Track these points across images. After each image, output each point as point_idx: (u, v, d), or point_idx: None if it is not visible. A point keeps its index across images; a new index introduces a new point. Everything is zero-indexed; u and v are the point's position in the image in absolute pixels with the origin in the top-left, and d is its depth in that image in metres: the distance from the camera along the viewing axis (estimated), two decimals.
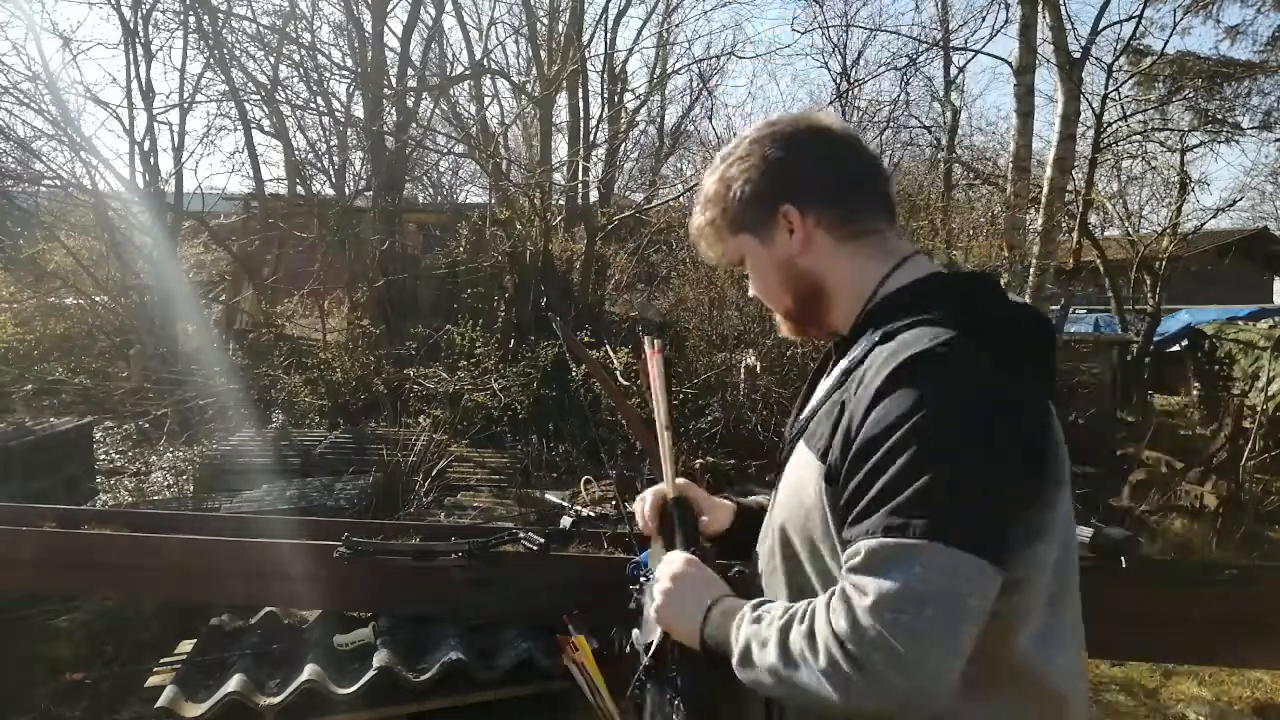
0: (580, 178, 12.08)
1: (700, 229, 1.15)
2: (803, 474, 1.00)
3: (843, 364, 1.02)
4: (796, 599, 0.97)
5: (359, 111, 11.30)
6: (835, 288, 1.06)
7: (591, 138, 13.07)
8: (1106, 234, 15.03)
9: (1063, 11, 9.59)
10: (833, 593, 0.87)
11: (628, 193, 16.46)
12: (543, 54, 12.96)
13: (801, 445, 1.03)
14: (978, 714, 0.91)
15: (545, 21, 13.45)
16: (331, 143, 11.65)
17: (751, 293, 1.17)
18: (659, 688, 1.07)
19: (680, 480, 1.31)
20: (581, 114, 14.01)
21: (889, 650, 0.79)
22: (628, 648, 1.19)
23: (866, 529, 0.85)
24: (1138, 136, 12.71)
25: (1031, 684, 0.93)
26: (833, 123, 1.09)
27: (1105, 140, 12.13)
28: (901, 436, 0.84)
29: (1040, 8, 9.37)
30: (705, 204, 1.13)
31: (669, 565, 1.11)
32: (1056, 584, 0.94)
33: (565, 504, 3.93)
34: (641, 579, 1.22)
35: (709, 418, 6.87)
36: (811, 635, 0.86)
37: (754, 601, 0.99)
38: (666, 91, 18.70)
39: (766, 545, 1.12)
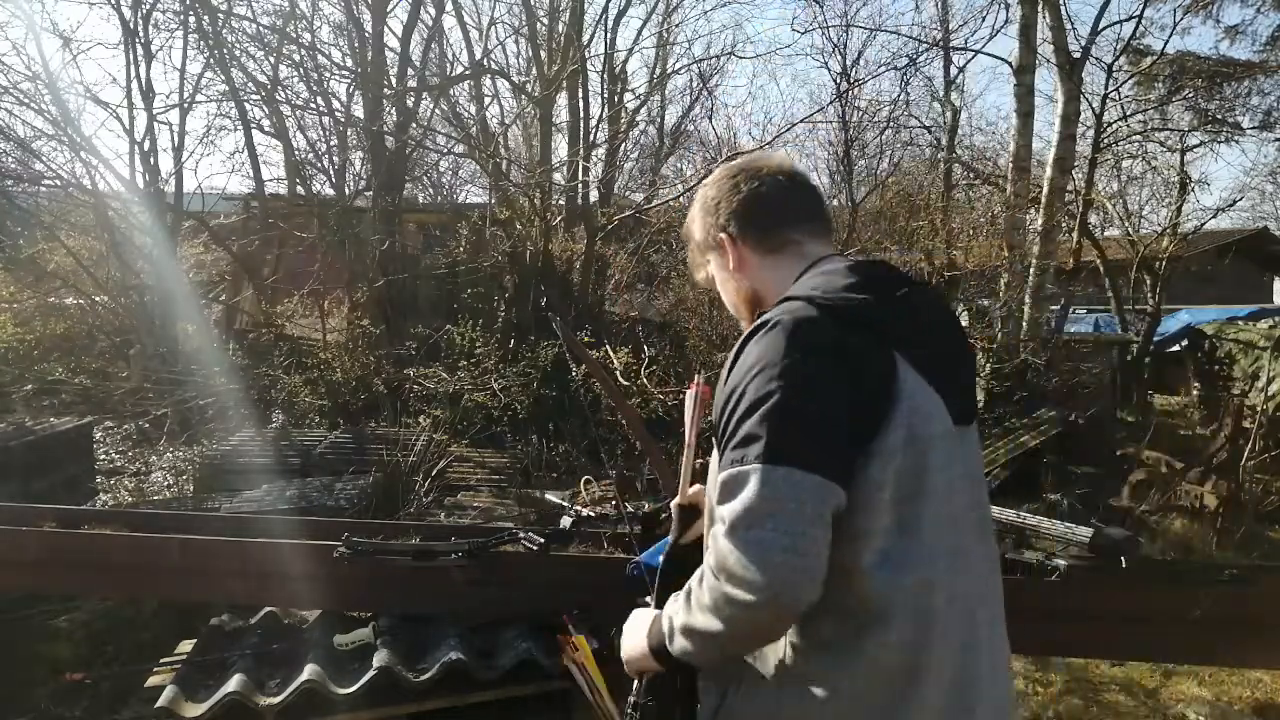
0: (580, 178, 12.07)
1: (689, 259, 1.44)
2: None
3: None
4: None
5: (359, 111, 11.30)
6: (766, 292, 1.28)
7: (591, 138, 13.07)
8: (1106, 234, 15.01)
9: (1063, 11, 9.60)
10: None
11: (628, 193, 16.46)
12: (543, 54, 12.96)
13: None
14: (823, 630, 1.04)
15: (545, 21, 13.46)
16: (331, 143, 11.66)
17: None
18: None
19: (695, 487, 1.45)
20: (581, 114, 14.02)
21: (745, 562, 0.94)
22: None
23: (718, 465, 1.04)
24: (1138, 136, 12.70)
25: (877, 604, 1.03)
26: (763, 163, 1.33)
27: (1105, 140, 12.12)
28: (741, 388, 1.04)
29: (1040, 8, 9.37)
30: (686, 231, 1.41)
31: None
32: (906, 510, 1.04)
33: (565, 504, 3.93)
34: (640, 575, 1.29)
35: (708, 418, 6.86)
36: (700, 578, 1.03)
37: (670, 601, 1.14)
38: (666, 91, 18.72)
39: (706, 521, 1.28)
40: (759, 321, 1.10)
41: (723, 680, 1.16)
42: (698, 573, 1.05)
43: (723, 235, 1.30)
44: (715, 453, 1.12)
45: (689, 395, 1.52)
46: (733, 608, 0.97)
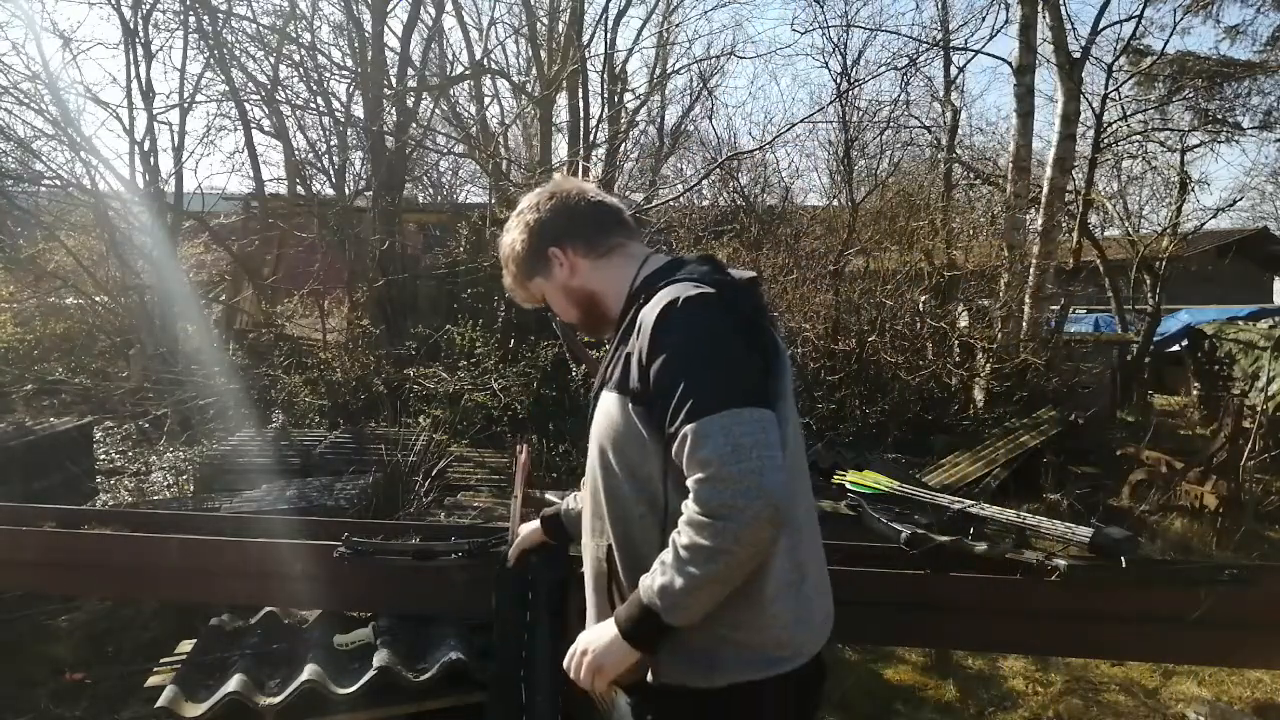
0: (580, 178, 12.06)
1: (510, 285, 1.57)
2: (608, 408, 1.33)
3: (619, 332, 1.39)
4: (613, 502, 1.32)
5: (359, 111, 11.28)
6: (603, 292, 1.46)
7: (591, 138, 13.07)
8: (1106, 234, 15.02)
9: (1063, 11, 9.61)
10: (686, 499, 1.17)
11: (628, 193, 16.43)
12: (543, 54, 12.97)
13: (605, 391, 1.36)
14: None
15: (545, 21, 13.46)
16: (331, 143, 11.63)
17: (558, 319, 1.59)
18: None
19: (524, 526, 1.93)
20: (581, 114, 14.01)
21: (744, 492, 1.12)
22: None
23: (682, 420, 1.17)
24: (1138, 136, 12.71)
25: (794, 525, 1.28)
26: (569, 186, 1.51)
27: (1105, 140, 12.13)
28: (676, 356, 1.21)
29: (1040, 8, 9.37)
30: (505, 266, 1.55)
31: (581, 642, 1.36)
32: (793, 444, 1.31)
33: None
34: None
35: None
36: (690, 538, 1.16)
37: (643, 584, 1.24)
38: (666, 91, 18.73)
39: (587, 478, 1.42)
40: (668, 301, 1.24)
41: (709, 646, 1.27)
42: (672, 545, 1.18)
43: (554, 248, 1.46)
44: (627, 410, 1.27)
45: (519, 459, 2.06)
46: (738, 539, 1.13)
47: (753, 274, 1.41)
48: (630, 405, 1.27)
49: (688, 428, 1.16)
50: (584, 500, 1.47)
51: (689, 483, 1.17)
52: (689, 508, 1.16)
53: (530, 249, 1.49)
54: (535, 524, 1.88)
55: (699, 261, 1.39)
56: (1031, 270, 9.02)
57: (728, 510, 1.12)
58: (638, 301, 1.36)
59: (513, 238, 1.52)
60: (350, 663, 2.27)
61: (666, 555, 1.20)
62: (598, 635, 1.31)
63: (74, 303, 10.11)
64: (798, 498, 1.30)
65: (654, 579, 1.21)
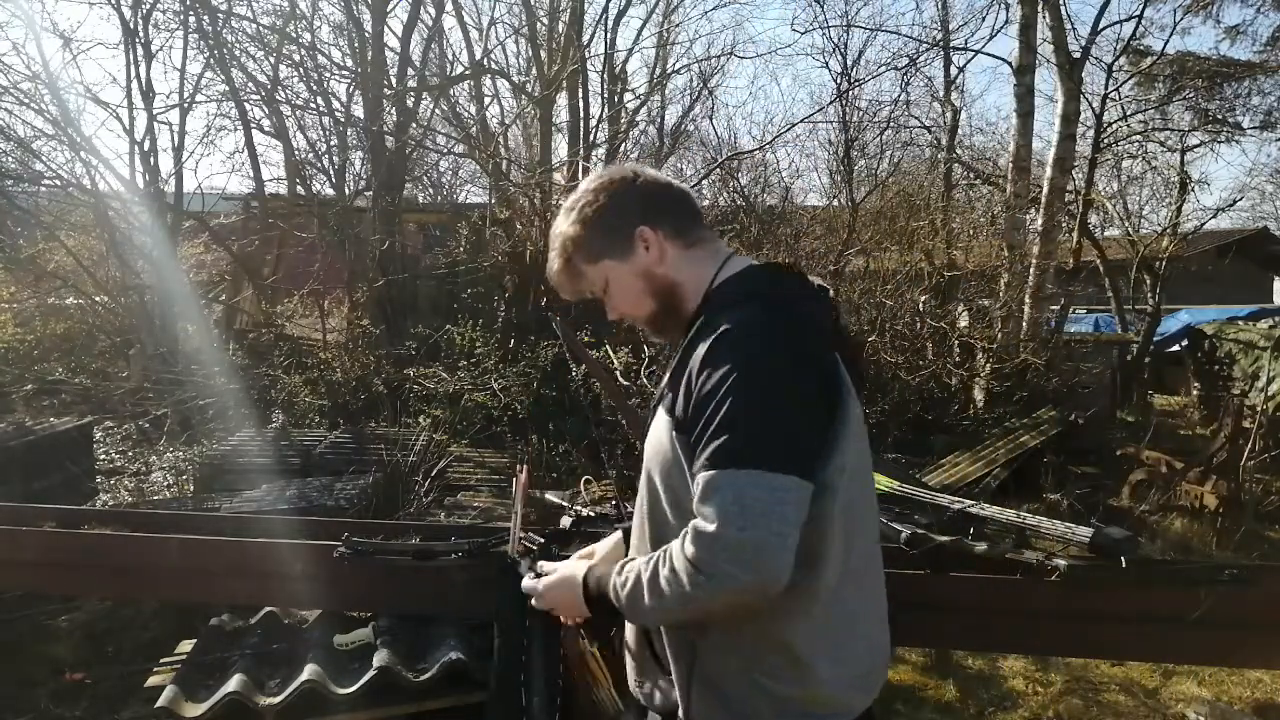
0: (580, 178, 12.05)
1: (561, 270, 1.40)
2: (659, 429, 1.25)
3: (684, 342, 1.26)
4: (656, 529, 1.25)
5: (359, 111, 11.29)
6: (684, 284, 1.32)
7: (591, 138, 13.06)
8: (1106, 234, 15.02)
9: (1063, 11, 9.61)
10: (685, 533, 1.09)
11: None
12: (543, 54, 12.96)
13: (660, 409, 1.28)
14: (801, 595, 1.14)
15: (545, 21, 13.46)
16: (331, 143, 11.65)
17: (613, 316, 1.43)
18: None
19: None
20: (581, 114, 14.00)
21: (738, 560, 1.03)
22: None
23: (701, 465, 1.09)
24: (1138, 136, 12.71)
25: (843, 573, 1.18)
26: (650, 169, 1.39)
27: (1105, 140, 12.13)
28: (720, 392, 1.10)
29: (1040, 8, 9.37)
30: (563, 248, 1.37)
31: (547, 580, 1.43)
32: (854, 494, 1.19)
33: (565, 504, 3.92)
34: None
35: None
36: (673, 570, 1.10)
37: (616, 567, 1.25)
38: (666, 91, 18.71)
39: (638, 498, 1.35)
40: (722, 330, 1.14)
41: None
42: (667, 566, 1.12)
43: (644, 226, 1.31)
44: (672, 439, 1.19)
45: (517, 482, 1.96)
46: (714, 601, 1.08)
47: (823, 284, 1.31)
48: (675, 433, 1.19)
49: (703, 475, 1.08)
50: (635, 522, 1.37)
51: (693, 521, 1.09)
52: (685, 543, 1.09)
53: (609, 225, 1.32)
54: (617, 536, 1.62)
55: (773, 277, 1.27)
56: (1031, 270, 9.02)
57: (714, 572, 1.05)
58: (710, 308, 1.25)
59: (583, 212, 1.34)
60: (350, 663, 2.27)
61: (646, 565, 1.17)
62: (565, 579, 1.37)
63: (74, 303, 10.11)
64: (855, 540, 1.20)
65: (628, 580, 1.19)
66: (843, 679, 1.19)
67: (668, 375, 1.28)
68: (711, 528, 1.04)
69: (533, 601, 1.45)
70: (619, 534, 1.53)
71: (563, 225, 1.37)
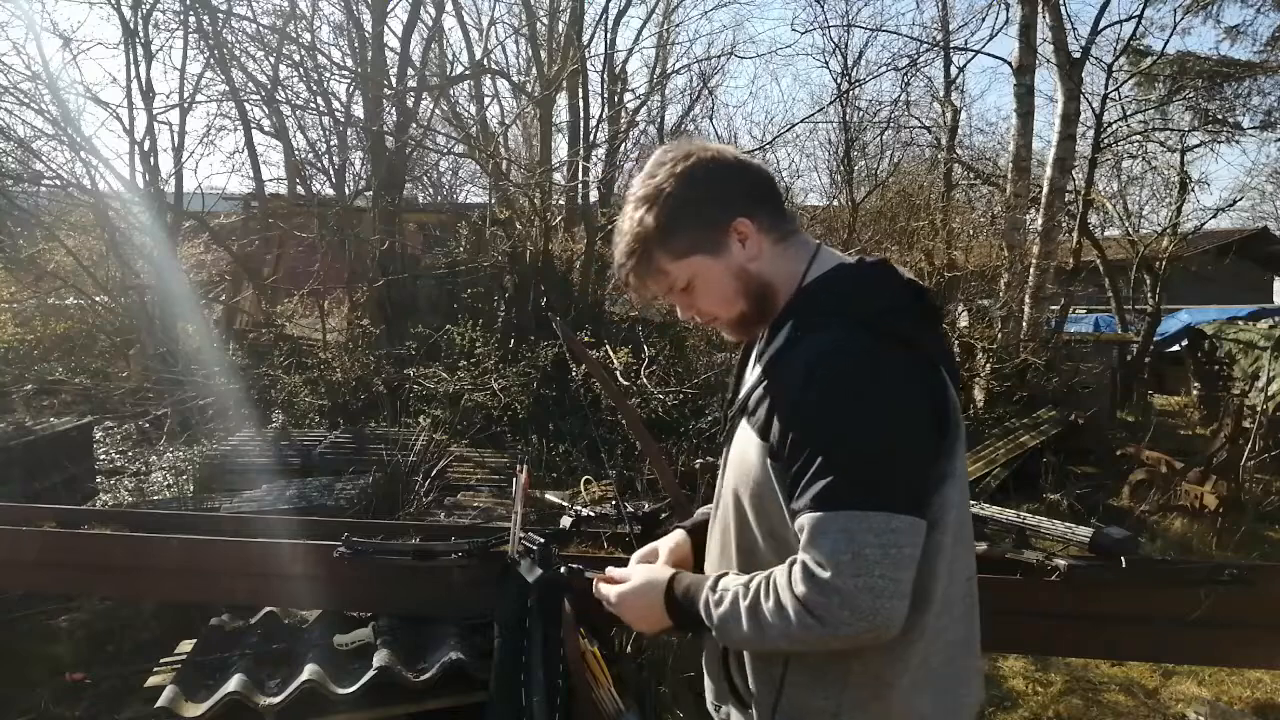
0: (580, 178, 12.05)
1: (636, 268, 1.21)
2: (746, 448, 1.14)
3: (770, 351, 1.15)
4: (745, 557, 1.17)
5: (359, 111, 11.29)
6: (778, 284, 1.19)
7: (591, 138, 13.04)
8: (1106, 234, 15.03)
9: (1063, 11, 9.60)
10: (792, 564, 1.03)
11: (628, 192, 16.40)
12: (543, 54, 12.94)
13: (743, 423, 1.17)
14: (904, 634, 1.06)
15: (545, 21, 13.43)
16: (331, 143, 11.64)
17: (686, 316, 1.27)
18: None
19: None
20: (581, 114, 13.97)
21: (854, 608, 0.97)
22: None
23: (807, 505, 1.01)
24: (1138, 136, 12.71)
25: (944, 606, 1.12)
26: (723, 147, 1.22)
27: (1105, 140, 12.13)
28: (821, 423, 1.02)
29: (1040, 8, 9.37)
30: (641, 242, 1.19)
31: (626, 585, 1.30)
32: (960, 519, 1.13)
33: (565, 504, 3.93)
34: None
35: (709, 417, 6.87)
36: (779, 605, 1.03)
37: (709, 581, 1.15)
38: (666, 91, 18.66)
39: (719, 510, 1.26)
40: (817, 353, 1.05)
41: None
42: (773, 599, 1.04)
43: (743, 219, 1.16)
44: (765, 464, 1.10)
45: (517, 482, 1.93)
46: (827, 643, 1.03)
47: (913, 279, 1.18)
48: (769, 459, 1.08)
49: (806, 517, 1.00)
50: (713, 533, 1.29)
51: (801, 557, 1.02)
52: (794, 581, 1.01)
53: (702, 215, 1.16)
54: (680, 536, 1.47)
55: (867, 280, 1.15)
56: (1031, 270, 9.02)
57: (826, 617, 0.99)
58: (799, 315, 1.14)
59: (667, 202, 1.16)
60: (350, 663, 2.27)
61: (745, 590, 1.08)
62: (647, 585, 1.24)
63: (74, 303, 10.10)
64: (959, 572, 1.14)
65: (724, 600, 1.10)
66: (940, 715, 1.14)
67: (752, 385, 1.16)
68: (825, 575, 0.98)
69: (606, 605, 1.32)
70: (681, 533, 1.44)
71: (638, 215, 1.18)
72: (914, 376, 1.06)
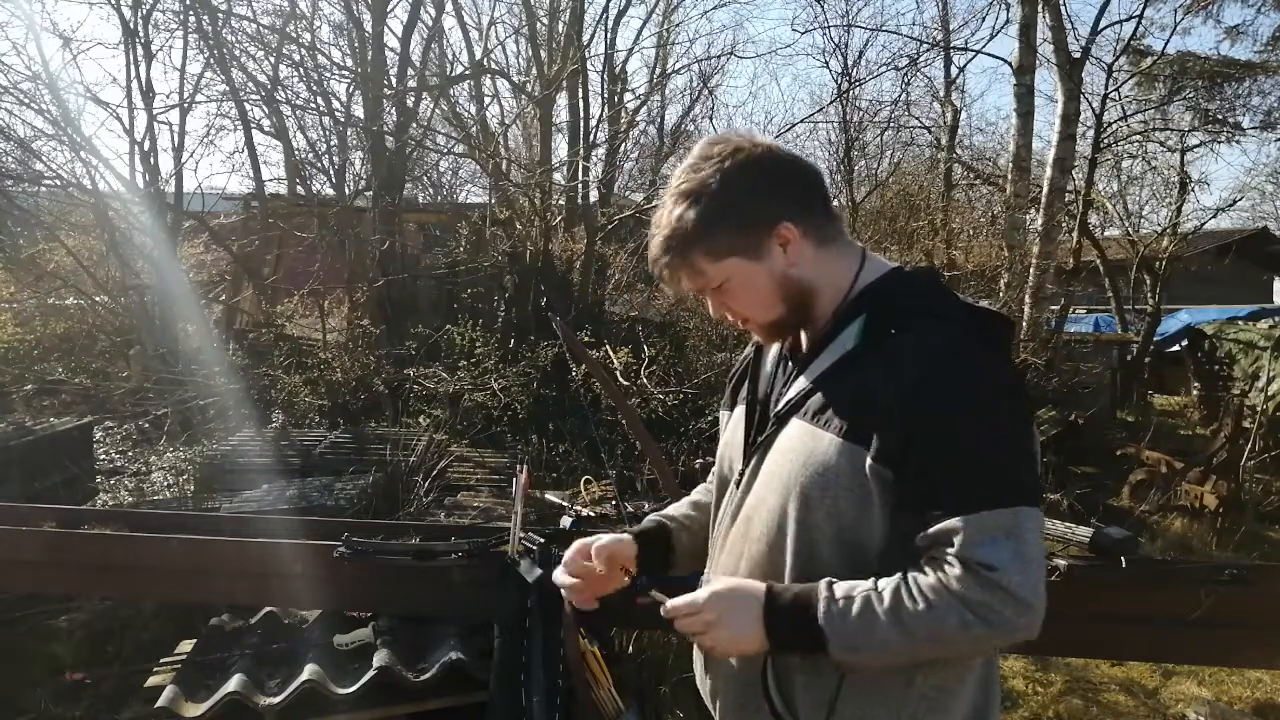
0: (580, 178, 12.05)
1: (673, 265, 1.17)
2: (814, 448, 1.08)
3: (841, 352, 1.12)
4: (800, 561, 1.10)
5: (359, 111, 11.29)
6: (821, 288, 1.16)
7: (591, 138, 13.04)
8: (1106, 234, 15.03)
9: (1063, 11, 9.61)
10: (938, 566, 1.00)
11: (628, 193, 16.46)
12: (543, 54, 12.94)
13: (801, 423, 1.12)
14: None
15: (545, 21, 13.43)
16: (331, 143, 11.66)
17: (719, 315, 1.23)
18: None
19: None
20: (581, 114, 13.99)
21: (1020, 605, 0.98)
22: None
23: (953, 508, 0.99)
24: (1138, 136, 12.72)
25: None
26: (773, 142, 1.17)
27: (1105, 140, 12.13)
28: (963, 425, 1.01)
29: (1040, 8, 9.38)
30: (681, 239, 1.14)
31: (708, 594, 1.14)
32: None
33: (565, 504, 3.93)
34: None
35: (709, 417, 6.88)
36: (932, 608, 1.00)
37: (823, 592, 1.05)
38: (666, 91, 18.73)
39: (742, 517, 1.20)
40: (940, 350, 1.03)
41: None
42: (921, 602, 1.00)
43: (787, 224, 1.12)
44: (867, 468, 1.04)
45: (517, 482, 1.90)
46: (986, 645, 1.05)
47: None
48: (871, 462, 1.04)
49: (958, 519, 0.98)
50: (728, 543, 1.23)
51: (960, 556, 0.99)
52: (956, 583, 0.99)
53: (744, 217, 1.12)
54: (621, 538, 1.37)
55: (938, 282, 1.16)
56: (1031, 270, 9.03)
57: (994, 619, 0.98)
58: (864, 313, 1.12)
59: (711, 201, 1.11)
60: (350, 663, 2.27)
61: (878, 594, 1.02)
62: (741, 588, 1.10)
63: (74, 303, 10.09)
64: None
65: (855, 602, 1.03)
66: None
67: (812, 386, 1.13)
68: (994, 576, 0.97)
69: (662, 612, 1.16)
70: (627, 537, 1.35)
71: (679, 211, 1.13)
72: (1017, 377, 1.11)
